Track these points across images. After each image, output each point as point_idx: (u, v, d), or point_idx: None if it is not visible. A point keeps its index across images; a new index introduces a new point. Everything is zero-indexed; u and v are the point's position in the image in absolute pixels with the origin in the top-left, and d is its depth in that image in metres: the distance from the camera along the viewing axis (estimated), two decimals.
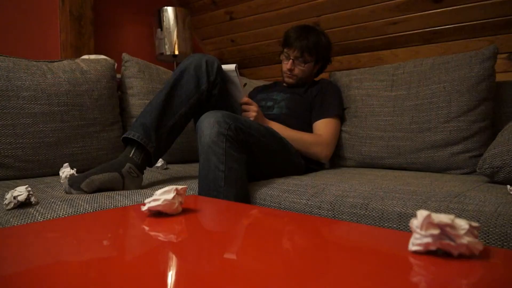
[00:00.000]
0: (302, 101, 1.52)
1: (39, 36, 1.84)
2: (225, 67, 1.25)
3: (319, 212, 0.96)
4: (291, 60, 1.52)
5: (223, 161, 1.00)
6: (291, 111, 1.49)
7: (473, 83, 1.32)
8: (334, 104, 1.51)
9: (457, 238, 0.40)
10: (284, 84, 1.64)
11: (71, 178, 0.95)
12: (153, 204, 0.60)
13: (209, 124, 1.01)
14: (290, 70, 1.53)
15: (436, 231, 0.40)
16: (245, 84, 1.29)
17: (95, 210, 0.84)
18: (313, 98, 1.53)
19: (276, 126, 1.35)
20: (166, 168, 1.43)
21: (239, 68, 1.28)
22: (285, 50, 1.55)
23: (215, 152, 1.00)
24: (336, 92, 1.56)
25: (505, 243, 0.71)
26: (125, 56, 1.61)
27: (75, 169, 1.06)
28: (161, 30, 2.22)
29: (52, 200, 0.83)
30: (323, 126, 1.46)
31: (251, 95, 1.70)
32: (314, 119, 1.49)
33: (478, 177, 1.16)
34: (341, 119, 1.57)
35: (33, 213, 0.77)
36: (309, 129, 1.48)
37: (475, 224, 0.41)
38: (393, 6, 1.83)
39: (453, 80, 1.35)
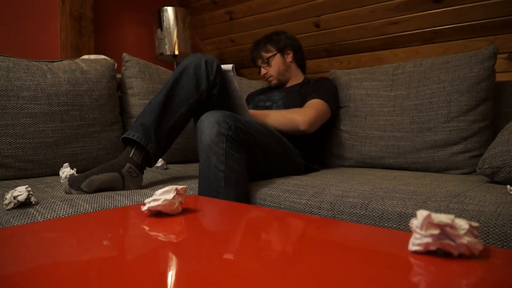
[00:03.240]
0: (299, 97, 1.52)
1: (39, 36, 1.84)
2: (222, 67, 1.25)
3: (319, 212, 0.96)
4: (261, 68, 1.68)
5: (223, 161, 1.00)
6: (289, 108, 1.49)
7: (473, 83, 1.32)
8: (329, 96, 1.50)
9: (457, 238, 0.40)
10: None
11: (71, 178, 0.95)
12: (153, 204, 0.60)
13: (209, 124, 1.01)
14: (265, 74, 1.67)
15: (436, 231, 0.40)
16: None
17: (95, 210, 0.84)
18: (310, 93, 1.52)
19: (260, 113, 1.37)
20: (166, 168, 1.43)
21: (239, 68, 1.28)
22: (257, 66, 1.72)
23: (215, 152, 1.00)
24: (332, 88, 1.56)
25: (505, 243, 0.71)
26: (125, 56, 1.61)
27: (75, 169, 1.06)
28: (161, 30, 2.22)
29: (52, 200, 0.83)
30: (310, 104, 1.45)
31: (249, 98, 1.74)
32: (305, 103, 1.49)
33: (478, 177, 1.16)
34: (332, 111, 1.51)
35: (33, 213, 0.77)
36: None
37: (475, 224, 0.41)
38: (393, 6, 1.83)
39: (453, 80, 1.35)
